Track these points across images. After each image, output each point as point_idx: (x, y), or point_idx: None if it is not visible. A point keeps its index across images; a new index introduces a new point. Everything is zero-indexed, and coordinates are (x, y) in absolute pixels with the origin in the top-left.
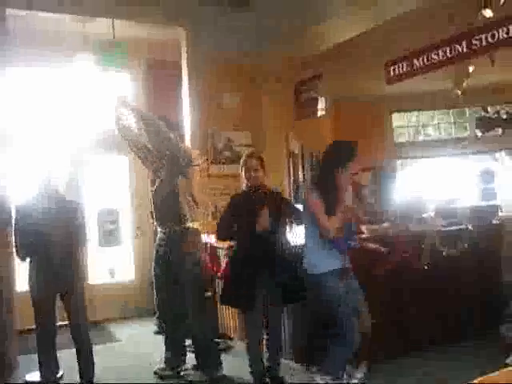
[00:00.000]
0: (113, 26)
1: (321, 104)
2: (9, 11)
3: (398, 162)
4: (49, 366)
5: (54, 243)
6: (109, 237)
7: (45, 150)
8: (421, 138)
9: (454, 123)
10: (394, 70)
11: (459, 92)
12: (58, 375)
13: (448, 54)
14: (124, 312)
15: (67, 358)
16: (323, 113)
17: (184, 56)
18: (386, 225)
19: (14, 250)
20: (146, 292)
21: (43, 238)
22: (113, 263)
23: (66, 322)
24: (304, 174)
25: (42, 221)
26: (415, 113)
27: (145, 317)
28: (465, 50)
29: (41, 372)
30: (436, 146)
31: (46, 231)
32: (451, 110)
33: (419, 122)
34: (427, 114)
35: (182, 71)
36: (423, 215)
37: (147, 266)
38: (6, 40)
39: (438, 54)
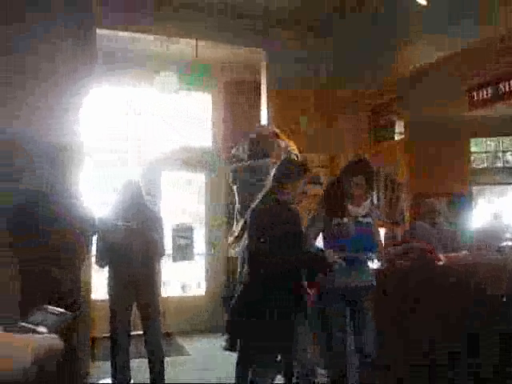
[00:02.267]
0: (196, 48)
1: (398, 127)
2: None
3: (475, 188)
4: (122, 374)
5: (134, 253)
6: (182, 252)
7: (126, 164)
8: (499, 164)
9: None
10: (477, 95)
11: None
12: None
13: None
14: (194, 326)
15: (136, 367)
16: (401, 136)
17: (263, 77)
18: (464, 253)
19: (94, 257)
20: (216, 307)
21: (124, 248)
22: (185, 278)
23: (138, 332)
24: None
25: (124, 230)
26: (494, 138)
27: (214, 332)
28: None
29: (113, 379)
30: None
31: (127, 241)
32: None
33: (498, 147)
34: (507, 140)
35: (261, 92)
36: (503, 243)
37: (218, 282)
38: (94, 59)
39: None
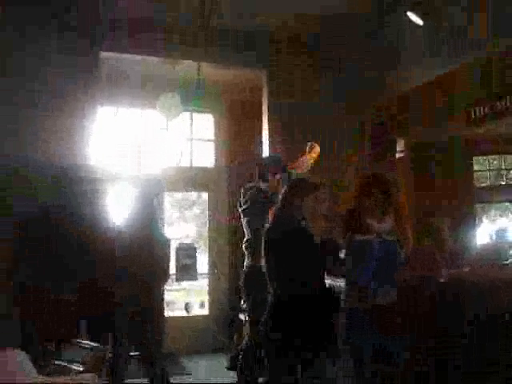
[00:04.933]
0: (198, 69)
1: (399, 146)
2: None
3: (479, 206)
4: None
5: (141, 272)
6: (186, 272)
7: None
8: (502, 181)
9: None
10: (474, 112)
11: None
12: None
13: None
14: (197, 346)
15: None
16: (401, 155)
17: (265, 98)
18: (466, 270)
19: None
20: (219, 328)
21: (133, 266)
22: (189, 298)
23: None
24: None
25: (134, 248)
26: (497, 156)
27: (217, 352)
28: None
29: None
30: None
31: (136, 260)
32: None
33: (501, 165)
34: (510, 158)
35: (263, 113)
36: (506, 261)
37: (223, 303)
38: (99, 81)
39: None
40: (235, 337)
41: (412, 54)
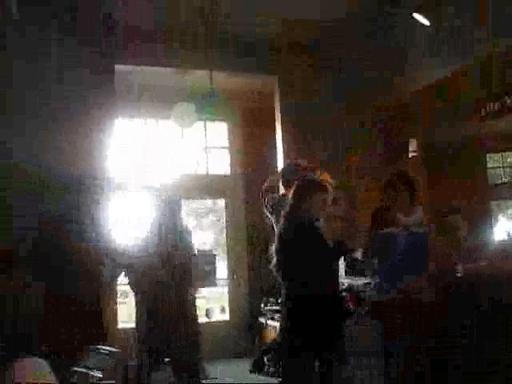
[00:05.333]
0: (210, 78)
1: (411, 147)
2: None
3: (495, 203)
4: None
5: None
6: (205, 278)
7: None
8: None
9: None
10: (485, 108)
11: None
12: None
13: None
14: (219, 351)
15: None
16: (414, 154)
17: (277, 105)
18: (483, 264)
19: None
20: (240, 333)
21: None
22: (209, 304)
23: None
24: None
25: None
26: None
27: (239, 357)
28: None
29: None
30: None
31: (164, 267)
32: None
33: None
34: None
35: (276, 119)
36: None
37: (242, 308)
38: (115, 93)
39: None
40: (256, 340)
41: (420, 54)
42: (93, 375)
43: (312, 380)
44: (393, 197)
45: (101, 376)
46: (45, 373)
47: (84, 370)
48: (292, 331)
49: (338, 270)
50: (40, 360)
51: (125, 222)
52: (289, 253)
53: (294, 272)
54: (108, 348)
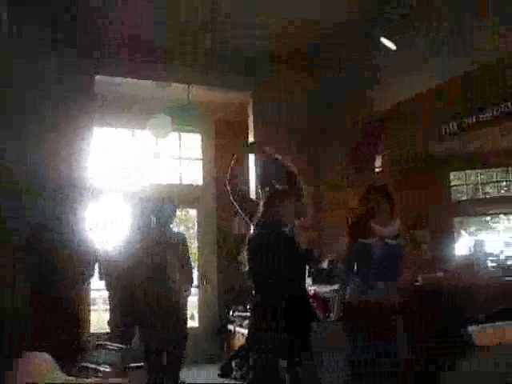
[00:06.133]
0: (187, 91)
1: (378, 162)
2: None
3: (457, 219)
4: None
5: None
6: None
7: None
8: (480, 195)
9: None
10: (444, 128)
11: None
12: None
13: (495, 114)
14: (189, 357)
15: None
16: (380, 169)
17: (250, 118)
18: (440, 274)
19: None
20: (209, 338)
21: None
22: None
23: None
24: None
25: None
26: (474, 171)
27: (209, 362)
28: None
29: None
30: (495, 203)
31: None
32: (511, 168)
33: (478, 180)
34: (487, 173)
35: (249, 131)
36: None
37: (211, 314)
38: (94, 104)
39: (486, 114)
40: (225, 346)
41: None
42: (101, 370)
43: (279, 380)
44: (372, 209)
45: (108, 371)
46: (51, 366)
47: (93, 366)
48: (260, 331)
49: (305, 275)
50: (45, 354)
51: (102, 226)
52: (260, 259)
53: (265, 278)
54: (115, 344)
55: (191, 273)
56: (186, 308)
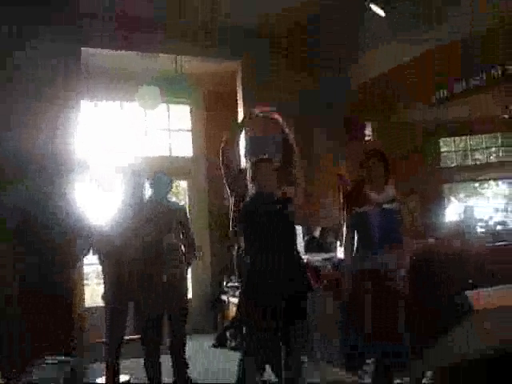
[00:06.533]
0: (175, 62)
1: (368, 130)
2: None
3: (447, 185)
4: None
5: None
6: None
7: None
8: (469, 162)
9: (503, 147)
10: (434, 95)
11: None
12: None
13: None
14: None
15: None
16: (370, 138)
17: (239, 89)
18: (430, 240)
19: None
20: (202, 309)
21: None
22: None
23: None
24: None
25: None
26: (463, 138)
27: (201, 333)
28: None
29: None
30: (484, 169)
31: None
32: (499, 134)
33: (467, 146)
34: (476, 139)
35: (238, 103)
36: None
37: (204, 286)
38: (80, 76)
39: (476, 80)
40: (219, 317)
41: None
42: None
43: (274, 345)
44: (367, 175)
45: None
46: None
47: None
48: (253, 298)
49: (295, 239)
50: None
51: (92, 201)
52: (254, 225)
53: (257, 241)
54: (56, 357)
55: (193, 241)
56: (186, 279)
